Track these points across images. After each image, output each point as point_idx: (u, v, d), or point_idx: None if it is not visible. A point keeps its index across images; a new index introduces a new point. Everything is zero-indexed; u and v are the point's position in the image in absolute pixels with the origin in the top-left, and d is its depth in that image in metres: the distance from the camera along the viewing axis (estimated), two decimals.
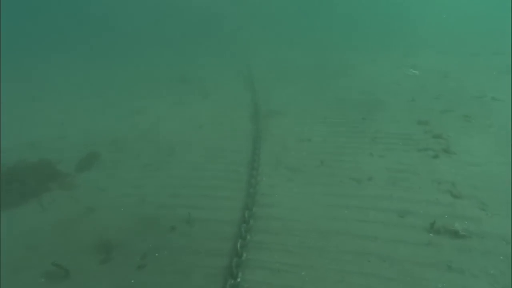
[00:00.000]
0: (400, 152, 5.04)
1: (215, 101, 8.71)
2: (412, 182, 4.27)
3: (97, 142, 6.66)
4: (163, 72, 12.52)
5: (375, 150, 5.21)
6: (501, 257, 2.98)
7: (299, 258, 3.23)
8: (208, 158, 5.63)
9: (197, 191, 4.65)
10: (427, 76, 9.30)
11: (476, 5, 20.71)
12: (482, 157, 4.73)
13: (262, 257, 3.28)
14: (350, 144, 5.50)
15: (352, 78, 9.73)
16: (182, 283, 3.10)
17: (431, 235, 3.33)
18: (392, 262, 3.06)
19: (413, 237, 3.33)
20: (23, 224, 4.24)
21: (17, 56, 16.05)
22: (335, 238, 3.45)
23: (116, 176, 5.32)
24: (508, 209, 3.60)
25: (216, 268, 3.20)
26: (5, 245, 3.84)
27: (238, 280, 2.92)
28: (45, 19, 22.96)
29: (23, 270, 3.38)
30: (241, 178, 4.88)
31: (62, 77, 12.57)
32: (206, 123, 7.19)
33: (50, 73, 13.10)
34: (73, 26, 21.30)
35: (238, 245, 3.26)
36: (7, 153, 6.23)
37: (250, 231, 3.61)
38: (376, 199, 4.02)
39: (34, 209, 4.54)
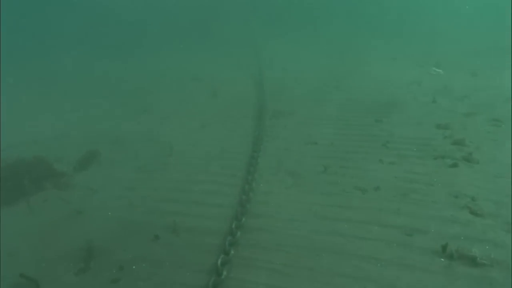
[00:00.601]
0: (414, 159, 4.53)
1: (223, 100, 8.43)
2: (425, 194, 3.77)
3: (99, 141, 6.55)
4: (176, 69, 12.41)
5: (385, 156, 4.72)
6: None
7: (286, 279, 2.86)
8: (206, 160, 5.34)
9: (189, 196, 4.37)
10: (453, 75, 8.59)
11: None
12: (511, 168, 4.14)
13: (245, 275, 2.93)
14: (359, 149, 5.04)
15: (369, 77, 9.17)
16: None
17: (443, 260, 2.85)
18: None
19: (420, 261, 2.88)
20: (9, 226, 4.11)
21: (28, 51, 16.51)
22: (330, 257, 3.05)
23: (111, 177, 5.14)
24: None
25: (194, 286, 2.89)
26: None
27: None
28: (51, 16, 23.47)
29: None
30: (238, 183, 4.54)
31: (72, 74, 12.74)
32: (210, 123, 6.91)
33: (61, 71, 13.31)
34: (85, 24, 21.64)
35: (219, 261, 2.93)
36: (10, 149, 6.22)
37: (236, 244, 3.27)
38: (381, 212, 3.57)
39: (23, 210, 4.42)
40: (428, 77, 8.57)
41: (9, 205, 4.56)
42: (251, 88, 9.12)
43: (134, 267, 3.18)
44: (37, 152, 5.99)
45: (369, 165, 4.55)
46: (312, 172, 4.60)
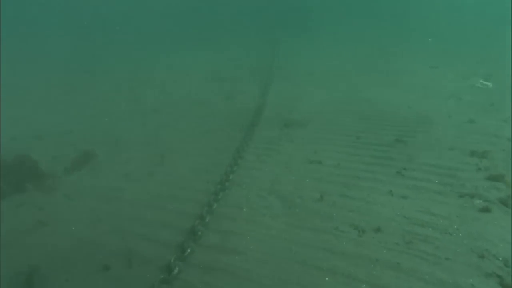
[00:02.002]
0: (432, 195, 3.64)
1: (237, 104, 7.92)
2: (438, 246, 2.92)
3: (100, 140, 6.35)
4: (201, 67, 12.14)
5: (398, 187, 3.87)
6: None
7: None
8: (195, 173, 4.83)
9: (161, 216, 3.87)
10: (504, 89, 7.30)
11: None
12: None
13: None
14: (368, 175, 4.23)
15: (400, 86, 8.13)
16: None
17: None
18: None
19: None
20: None
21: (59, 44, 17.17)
22: None
23: (94, 184, 4.82)
24: None
25: None
26: None
27: None
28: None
29: None
30: None
31: (86, 69, 12.92)
32: (215, 130, 6.41)
33: (77, 65, 13.57)
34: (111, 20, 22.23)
35: None
36: (12, 143, 6.22)
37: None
38: (376, 265, 2.79)
39: None
40: (472, 91, 7.37)
41: None
42: (269, 92, 8.51)
43: None
44: (37, 148, 5.96)
45: (376, 197, 3.74)
46: (307, 199, 3.89)
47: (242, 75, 10.68)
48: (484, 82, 7.84)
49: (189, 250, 3.03)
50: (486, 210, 3.30)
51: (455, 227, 3.13)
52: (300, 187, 4.18)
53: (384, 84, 8.45)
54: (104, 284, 2.92)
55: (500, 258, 2.72)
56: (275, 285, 2.72)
